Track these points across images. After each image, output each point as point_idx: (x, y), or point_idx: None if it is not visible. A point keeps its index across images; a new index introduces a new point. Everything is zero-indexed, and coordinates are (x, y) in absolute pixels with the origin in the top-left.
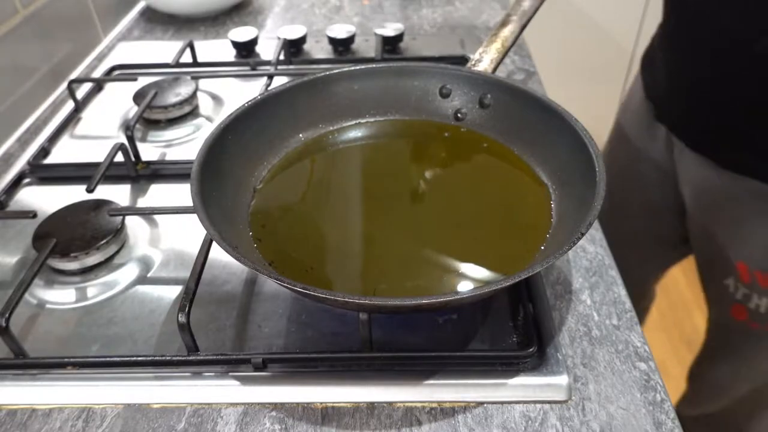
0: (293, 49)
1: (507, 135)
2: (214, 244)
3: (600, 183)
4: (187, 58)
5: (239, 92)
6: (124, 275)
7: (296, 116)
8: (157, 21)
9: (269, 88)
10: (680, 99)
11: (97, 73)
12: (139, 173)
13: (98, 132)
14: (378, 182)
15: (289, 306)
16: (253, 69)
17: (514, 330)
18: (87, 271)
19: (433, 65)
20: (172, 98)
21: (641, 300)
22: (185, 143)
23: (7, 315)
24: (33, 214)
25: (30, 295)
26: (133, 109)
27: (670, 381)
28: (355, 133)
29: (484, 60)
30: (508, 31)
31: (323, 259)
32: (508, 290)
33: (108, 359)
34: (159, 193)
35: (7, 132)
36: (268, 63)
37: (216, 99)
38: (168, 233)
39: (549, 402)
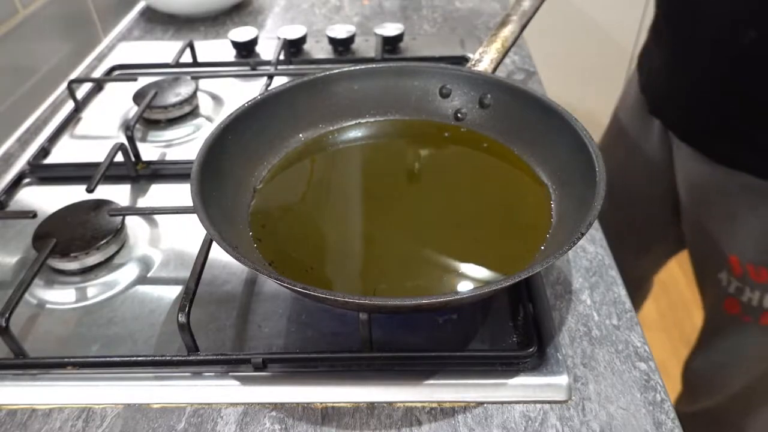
0: (293, 49)
1: (507, 135)
2: (214, 244)
3: (600, 183)
4: (187, 58)
5: (239, 92)
6: (124, 275)
7: (296, 116)
8: (157, 21)
9: (269, 88)
10: (672, 93)
11: (97, 73)
12: (139, 173)
13: (98, 132)
14: (378, 182)
15: (289, 306)
16: (253, 69)
17: (514, 330)
18: (87, 271)
19: (433, 65)
20: (172, 98)
21: (638, 291)
22: (185, 143)
23: (7, 315)
24: (33, 214)
25: (30, 295)
26: (133, 109)
27: (670, 381)
28: (355, 133)
29: (484, 60)
30: (508, 31)
31: (323, 259)
32: (508, 290)
33: (108, 359)
34: (159, 193)
35: (7, 132)
36: (268, 63)
37: (216, 99)
38: (168, 233)
39: (549, 402)
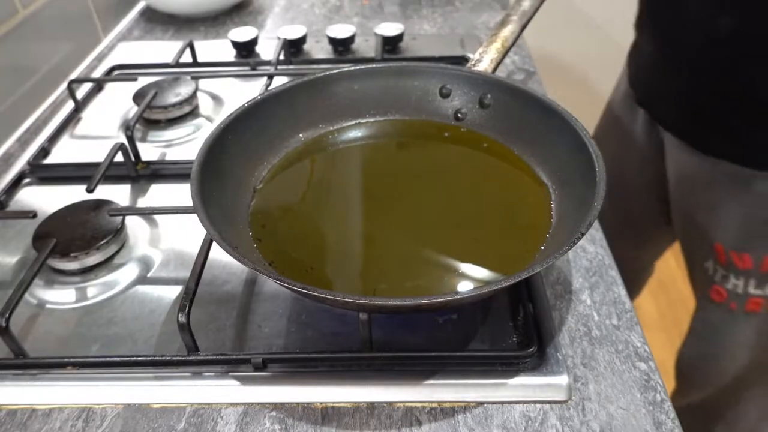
0: (293, 49)
1: (507, 135)
2: (214, 244)
3: (600, 183)
4: (187, 58)
5: (239, 92)
6: (124, 275)
7: (296, 116)
8: (157, 21)
9: (269, 88)
10: (655, 84)
11: (97, 73)
12: (139, 173)
13: (98, 132)
14: (378, 182)
15: (289, 306)
16: (253, 69)
17: (514, 330)
18: (87, 271)
19: (433, 65)
20: (172, 98)
21: (638, 277)
22: (185, 143)
23: (7, 315)
24: (33, 214)
25: (30, 295)
26: (133, 109)
27: (670, 381)
28: (355, 133)
29: (484, 60)
30: (508, 31)
31: (323, 259)
32: (508, 290)
33: (108, 359)
34: (159, 193)
35: (7, 132)
36: (268, 63)
37: (216, 99)
38: (168, 233)
39: (549, 402)
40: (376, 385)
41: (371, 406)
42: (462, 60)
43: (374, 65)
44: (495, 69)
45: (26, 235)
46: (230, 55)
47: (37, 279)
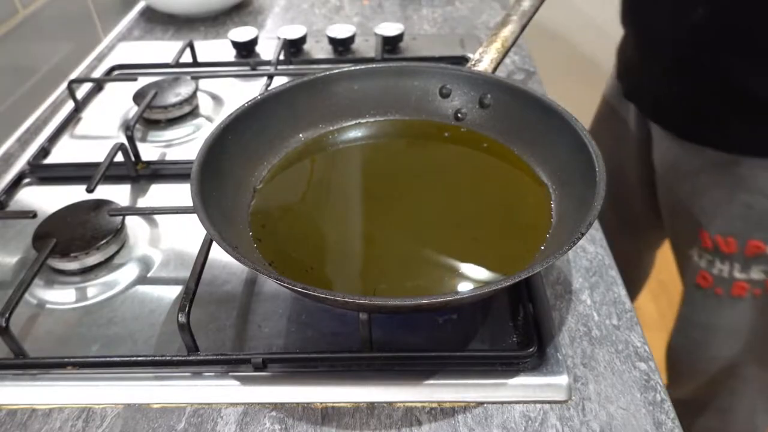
0: (293, 49)
1: (507, 135)
2: (214, 244)
3: (600, 183)
4: (187, 58)
5: (239, 92)
6: (124, 275)
7: (296, 116)
8: (157, 21)
9: (269, 88)
10: (639, 75)
11: (97, 73)
12: (139, 173)
13: (98, 132)
14: (378, 182)
15: (289, 306)
16: (253, 69)
17: (514, 330)
18: (87, 271)
19: (433, 65)
20: (172, 98)
21: (633, 277)
22: (185, 143)
23: (7, 315)
24: (33, 214)
25: (30, 295)
26: (133, 109)
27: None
28: (355, 133)
29: (484, 60)
30: (508, 31)
31: (323, 259)
32: (508, 290)
33: (108, 359)
34: (159, 193)
35: (7, 132)
36: (268, 63)
37: (216, 99)
38: (168, 233)
39: (549, 402)
40: (376, 385)
41: (371, 406)
42: (462, 60)
43: (374, 65)
44: (495, 69)
45: (26, 235)
46: (230, 55)
47: (37, 279)
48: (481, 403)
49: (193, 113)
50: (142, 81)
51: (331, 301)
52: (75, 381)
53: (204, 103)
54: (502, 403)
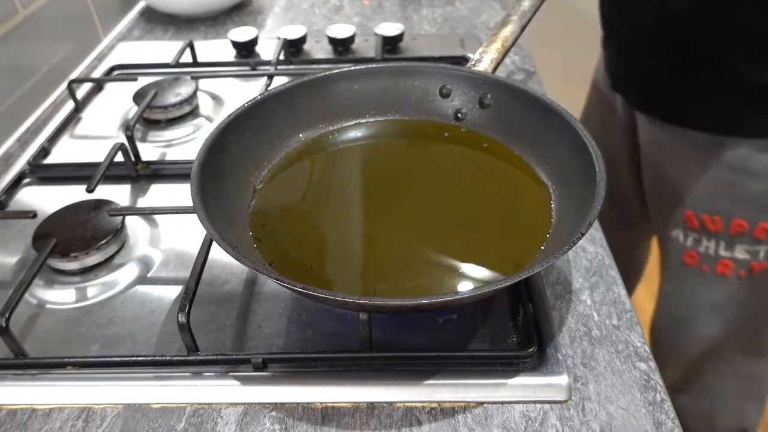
0: (293, 49)
1: (507, 135)
2: (214, 244)
3: (600, 183)
4: (187, 58)
5: (239, 92)
6: (124, 275)
7: (296, 116)
8: (157, 21)
9: (269, 88)
10: (622, 65)
11: (97, 73)
12: (139, 173)
13: (98, 132)
14: (378, 182)
15: (289, 306)
16: (253, 69)
17: (514, 330)
18: (87, 271)
19: (433, 65)
20: (172, 98)
21: (629, 266)
22: (185, 143)
23: (7, 315)
24: (33, 214)
25: (30, 295)
26: (133, 109)
27: None
28: (355, 133)
29: (484, 60)
30: (508, 31)
31: (323, 259)
32: (508, 290)
33: (108, 359)
34: (159, 193)
35: (7, 132)
36: (268, 63)
37: (216, 99)
38: (168, 233)
39: (549, 402)
40: (376, 385)
41: (371, 406)
42: (462, 60)
43: (374, 65)
44: (495, 69)
45: (26, 235)
46: (230, 55)
47: (37, 279)
48: (481, 403)
49: (193, 113)
50: (142, 81)
51: (331, 301)
52: (75, 381)
53: (204, 103)
54: (502, 403)
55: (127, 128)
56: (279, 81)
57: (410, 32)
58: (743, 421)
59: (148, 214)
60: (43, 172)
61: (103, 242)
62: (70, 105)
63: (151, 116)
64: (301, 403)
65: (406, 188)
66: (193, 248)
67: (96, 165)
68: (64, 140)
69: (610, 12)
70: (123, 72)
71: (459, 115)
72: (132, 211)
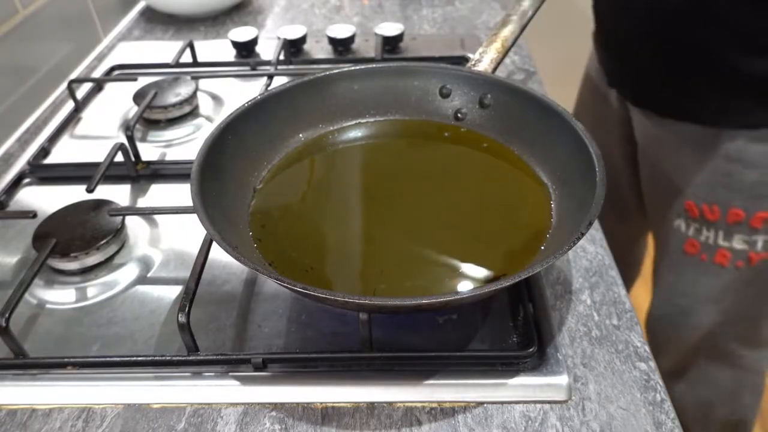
0: (293, 49)
1: (507, 135)
2: (214, 244)
3: (600, 183)
4: (187, 58)
5: (239, 92)
6: (124, 275)
7: (296, 116)
8: (157, 21)
9: (269, 88)
10: (614, 56)
11: (97, 73)
12: (139, 173)
13: (98, 132)
14: (378, 182)
15: (289, 306)
16: (253, 69)
17: (514, 330)
18: (87, 271)
19: (433, 65)
20: (172, 98)
21: (627, 262)
22: (185, 143)
23: (7, 315)
24: (33, 214)
25: (30, 295)
26: (133, 109)
27: None
28: (355, 133)
29: (484, 60)
30: (508, 31)
31: (323, 259)
32: (508, 290)
33: (108, 359)
34: (159, 193)
35: (7, 132)
36: (268, 63)
37: (216, 99)
38: (168, 233)
39: (549, 402)
40: (376, 385)
41: (371, 406)
42: (462, 60)
43: (374, 65)
44: (495, 69)
45: (26, 235)
46: (230, 55)
47: (37, 279)
48: (481, 403)
49: (193, 113)
50: (142, 81)
51: (331, 301)
52: (75, 381)
53: (204, 103)
54: (502, 403)
55: (127, 128)
56: (279, 81)
57: (410, 32)
58: (740, 411)
59: (148, 214)
60: (43, 172)
61: (103, 242)
62: (70, 105)
63: (151, 116)
64: (301, 403)
65: (406, 188)
66: (193, 248)
67: (96, 165)
68: (64, 140)
69: (603, 6)
70: (123, 72)
71: (459, 115)
72: (132, 211)
